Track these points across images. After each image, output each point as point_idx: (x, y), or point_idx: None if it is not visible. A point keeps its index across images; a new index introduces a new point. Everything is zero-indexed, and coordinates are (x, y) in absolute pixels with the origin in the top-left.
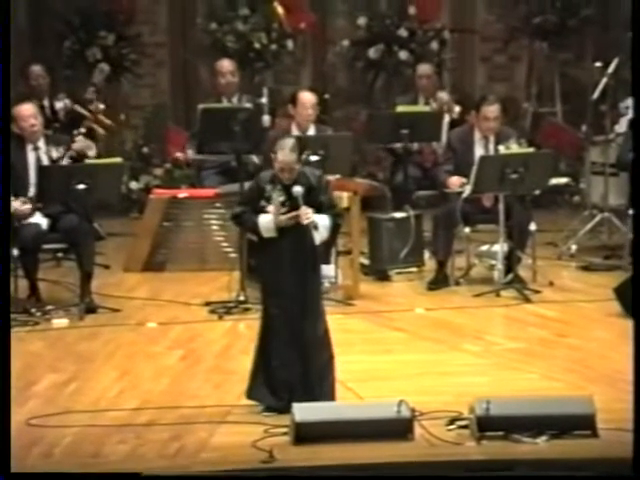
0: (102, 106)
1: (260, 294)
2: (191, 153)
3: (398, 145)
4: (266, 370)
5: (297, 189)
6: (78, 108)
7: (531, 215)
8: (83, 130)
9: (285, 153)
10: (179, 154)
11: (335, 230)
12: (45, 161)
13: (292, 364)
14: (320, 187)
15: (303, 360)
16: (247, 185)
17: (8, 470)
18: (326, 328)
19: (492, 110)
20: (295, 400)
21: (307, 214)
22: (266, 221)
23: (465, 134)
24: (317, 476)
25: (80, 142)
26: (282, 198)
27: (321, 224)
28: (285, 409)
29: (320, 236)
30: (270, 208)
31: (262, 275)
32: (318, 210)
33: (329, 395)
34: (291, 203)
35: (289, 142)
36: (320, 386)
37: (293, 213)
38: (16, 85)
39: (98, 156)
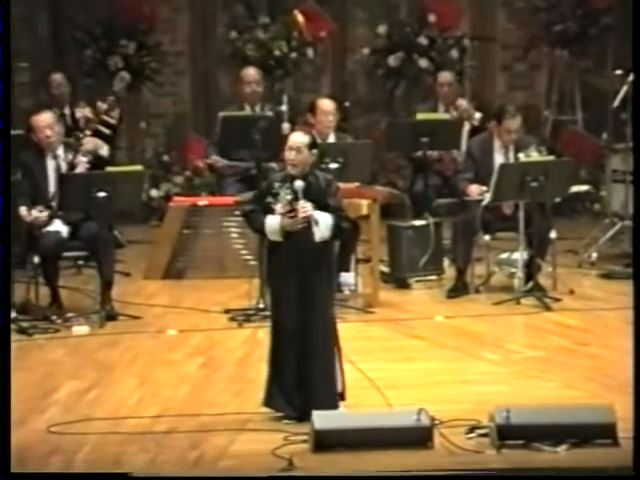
0: (105, 106)
1: (270, 301)
2: (218, 159)
3: (418, 153)
4: (278, 378)
5: (298, 183)
6: (87, 112)
7: (551, 223)
8: (88, 132)
9: (292, 139)
10: (199, 162)
11: (340, 234)
12: (64, 169)
13: (300, 372)
14: (329, 191)
15: (307, 369)
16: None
17: (8, 470)
18: (336, 336)
19: (515, 123)
20: (300, 407)
21: (305, 207)
22: (273, 223)
23: (485, 142)
24: None
25: (88, 143)
26: (290, 196)
27: (322, 221)
28: (301, 417)
29: (320, 233)
30: (278, 207)
31: (270, 281)
32: (325, 212)
33: (333, 404)
34: (299, 199)
35: (298, 132)
36: (327, 394)
37: (299, 213)
38: (37, 93)
39: (118, 164)
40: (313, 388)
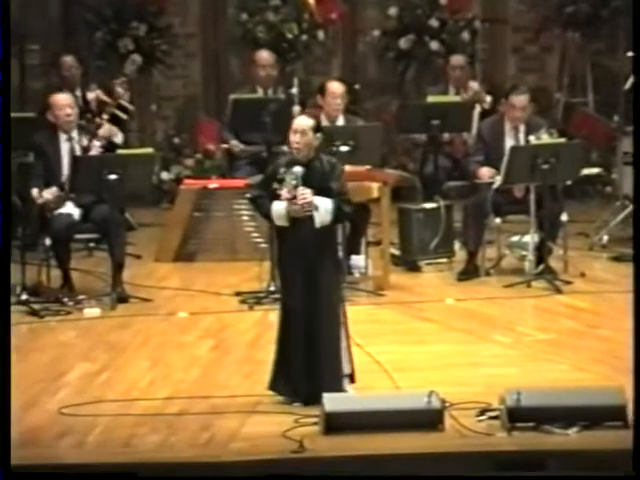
0: (121, 90)
1: (280, 285)
2: (235, 143)
3: (419, 136)
4: (285, 362)
5: (297, 169)
6: (101, 95)
7: (563, 206)
8: (106, 116)
9: (296, 122)
10: (212, 146)
11: (341, 218)
12: (78, 151)
13: (306, 356)
14: (332, 174)
15: (314, 352)
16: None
17: (8, 469)
18: (345, 320)
19: (520, 100)
20: (305, 390)
21: (304, 194)
22: (279, 208)
23: (496, 124)
24: (345, 476)
25: (105, 129)
26: (295, 182)
27: (321, 206)
28: (306, 401)
29: (320, 218)
30: (283, 192)
31: (278, 265)
32: (328, 196)
33: (338, 387)
34: (304, 184)
35: (302, 115)
36: (326, 378)
37: (298, 199)
38: (48, 76)
39: (129, 146)
40: (319, 372)
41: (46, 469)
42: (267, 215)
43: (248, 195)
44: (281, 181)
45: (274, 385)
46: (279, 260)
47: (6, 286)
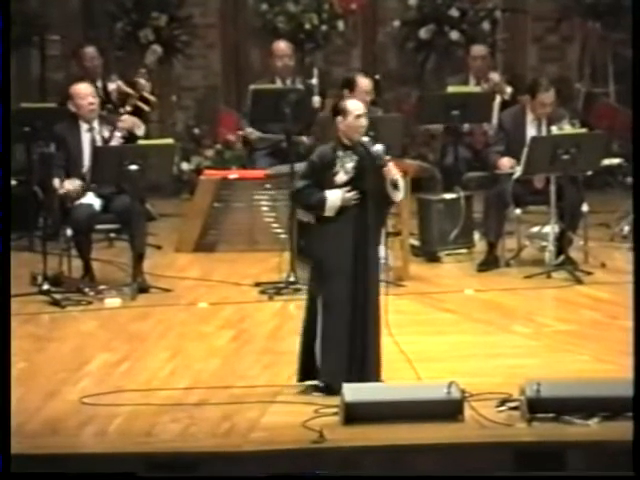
0: (144, 82)
1: (312, 276)
2: (251, 131)
3: (439, 126)
4: (330, 352)
5: (377, 147)
6: (123, 86)
7: (583, 196)
8: (129, 108)
9: (356, 106)
10: (232, 137)
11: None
12: (99, 142)
13: (351, 345)
14: (377, 156)
15: (364, 341)
16: (304, 163)
17: (8, 469)
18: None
19: (549, 96)
20: (350, 380)
21: (395, 169)
22: (335, 198)
23: (517, 115)
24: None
25: (127, 121)
26: (352, 164)
27: (400, 184)
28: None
29: (400, 195)
30: (340, 176)
31: (319, 257)
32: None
33: (379, 375)
34: (359, 167)
35: (353, 100)
36: (376, 365)
37: (391, 174)
38: (69, 66)
39: (149, 137)
40: (366, 362)
41: (67, 458)
42: (317, 205)
43: (291, 190)
44: (342, 165)
45: (305, 377)
46: (319, 252)
47: (6, 283)
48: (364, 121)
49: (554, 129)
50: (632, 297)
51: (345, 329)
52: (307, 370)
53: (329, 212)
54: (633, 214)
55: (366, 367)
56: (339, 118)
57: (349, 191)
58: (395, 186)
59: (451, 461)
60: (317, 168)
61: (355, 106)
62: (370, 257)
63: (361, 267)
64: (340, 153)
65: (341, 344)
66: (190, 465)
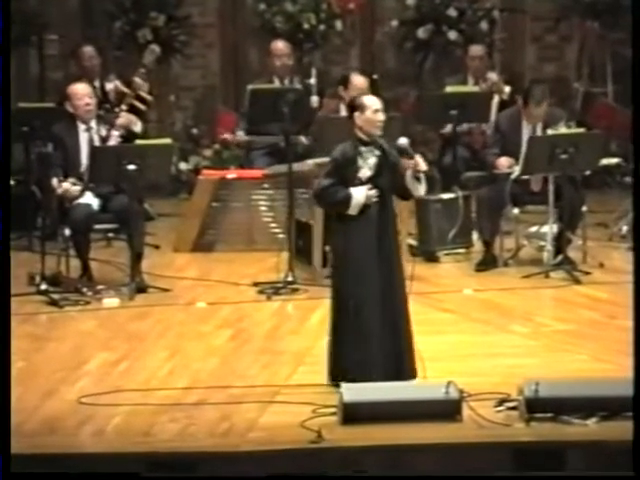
0: (140, 81)
1: (337, 275)
2: (241, 134)
3: (447, 129)
4: (361, 352)
5: (402, 140)
6: (121, 86)
7: (583, 196)
8: (124, 107)
9: (374, 101)
10: (227, 135)
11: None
12: (97, 142)
13: (384, 341)
14: (393, 151)
15: (396, 337)
16: (326, 160)
17: (8, 469)
18: None
19: (540, 110)
20: (386, 378)
21: (422, 161)
22: (360, 196)
23: (513, 117)
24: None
25: (123, 118)
26: (374, 159)
27: (422, 178)
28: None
29: (422, 189)
30: (364, 171)
31: (344, 256)
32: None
33: (414, 372)
34: (380, 163)
35: (370, 96)
36: (411, 362)
37: (419, 167)
38: (67, 66)
39: (146, 136)
40: (401, 357)
41: (65, 458)
42: (342, 203)
43: (316, 187)
44: (365, 160)
45: (337, 376)
46: (344, 251)
47: (6, 283)
48: (382, 116)
49: (549, 132)
50: (632, 297)
51: (377, 326)
52: (339, 369)
53: (353, 210)
54: (633, 214)
55: (401, 364)
56: (357, 114)
57: (371, 188)
58: (418, 179)
59: (449, 461)
60: (340, 165)
61: (372, 101)
62: (393, 253)
63: (386, 264)
64: (362, 149)
65: (374, 341)
66: (189, 465)
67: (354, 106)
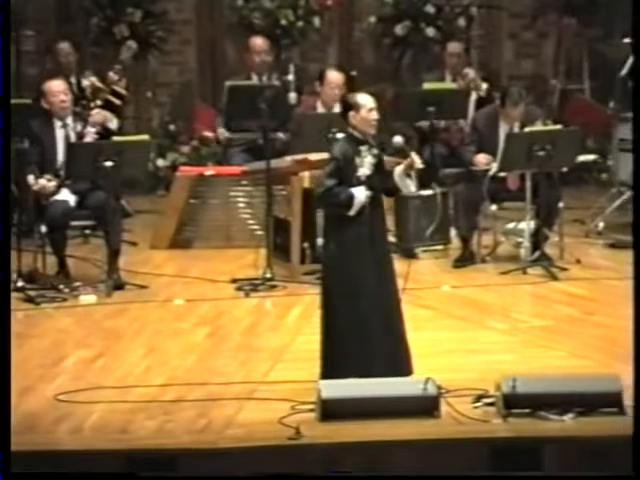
0: (115, 76)
1: (331, 275)
2: (222, 132)
3: (424, 123)
4: (363, 352)
5: (397, 138)
6: (97, 82)
7: (560, 193)
8: (99, 102)
9: (369, 99)
10: (207, 133)
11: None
12: (73, 138)
13: (380, 341)
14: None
15: (392, 336)
16: (328, 158)
17: (8, 469)
18: None
19: (516, 111)
20: (385, 374)
21: (418, 160)
22: (362, 195)
23: (491, 115)
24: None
25: (98, 115)
26: (370, 158)
27: (413, 175)
28: None
29: (413, 187)
30: (363, 170)
31: (339, 256)
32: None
33: (411, 368)
34: (377, 162)
35: (364, 94)
36: (408, 358)
37: (415, 164)
38: (43, 62)
39: (124, 133)
40: (400, 360)
41: (44, 455)
42: (345, 203)
43: (321, 190)
44: (362, 160)
45: (331, 374)
46: (337, 251)
47: (6, 275)
48: (376, 114)
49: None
50: (632, 297)
51: (373, 324)
52: (333, 367)
53: (354, 210)
54: (633, 214)
55: (397, 362)
56: (351, 113)
57: (367, 188)
58: (409, 176)
59: (427, 457)
60: (342, 165)
61: (366, 100)
62: (386, 251)
63: (380, 262)
64: (360, 147)
65: (370, 339)
66: (166, 462)
67: (348, 105)
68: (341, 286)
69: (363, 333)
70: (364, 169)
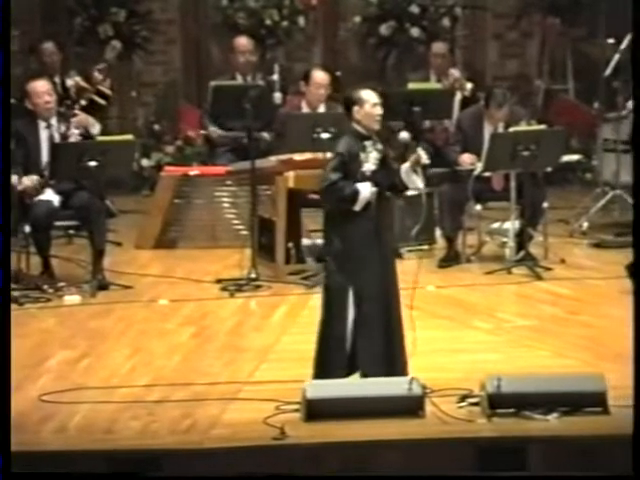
0: (100, 76)
1: (335, 273)
2: (214, 130)
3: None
4: (367, 349)
5: (404, 134)
6: (81, 82)
7: (545, 193)
8: (84, 102)
9: (372, 95)
10: (192, 133)
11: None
12: (57, 138)
13: (385, 341)
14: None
15: (391, 335)
16: (330, 155)
17: (8, 469)
18: None
19: (501, 113)
20: (378, 374)
21: (424, 154)
22: (367, 191)
23: (475, 116)
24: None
25: (80, 118)
26: (375, 153)
27: (420, 171)
28: None
29: (420, 183)
30: (368, 165)
31: (344, 254)
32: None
33: (406, 368)
34: (382, 158)
35: (367, 90)
36: (404, 357)
37: (421, 159)
38: (27, 61)
39: (109, 133)
40: (397, 357)
41: (28, 456)
42: (350, 198)
43: (326, 183)
44: (368, 155)
45: (325, 374)
46: (342, 248)
47: (6, 280)
48: (380, 109)
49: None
50: (633, 297)
51: (375, 322)
52: (329, 367)
53: (359, 206)
54: (633, 214)
55: (395, 360)
56: (355, 108)
57: (373, 185)
58: (416, 172)
59: (412, 457)
60: (346, 160)
61: (370, 95)
62: (390, 250)
63: (384, 260)
64: (365, 143)
65: (372, 340)
66: (151, 462)
67: (351, 100)
68: (346, 281)
69: (364, 332)
70: (369, 164)
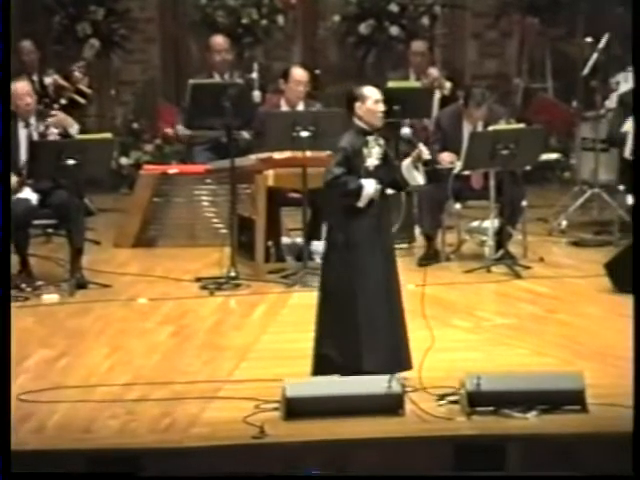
0: (79, 74)
1: (338, 271)
2: (181, 129)
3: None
4: (371, 344)
5: (405, 130)
6: (60, 80)
7: (524, 191)
8: (64, 101)
9: (375, 91)
10: (168, 130)
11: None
12: (36, 137)
13: (383, 335)
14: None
15: (395, 330)
16: (333, 151)
17: (8, 469)
18: None
19: (479, 112)
20: (380, 371)
21: (425, 150)
22: (371, 187)
23: (454, 115)
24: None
25: (58, 118)
26: (377, 149)
27: (421, 167)
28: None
29: (421, 179)
30: (371, 160)
31: (346, 250)
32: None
33: (410, 362)
34: (385, 153)
35: (369, 86)
36: (408, 351)
37: (423, 155)
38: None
39: (88, 131)
40: (402, 352)
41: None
42: (353, 193)
43: (329, 177)
44: (371, 149)
45: (324, 370)
46: (344, 244)
47: (6, 280)
48: (382, 106)
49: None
50: (633, 297)
51: (378, 318)
52: (326, 364)
53: (363, 202)
54: (633, 215)
55: (399, 355)
56: (357, 104)
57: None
58: (417, 168)
59: (392, 455)
60: (349, 155)
61: (372, 92)
62: (391, 246)
63: (386, 256)
64: (368, 138)
65: (374, 332)
66: (130, 461)
67: (353, 96)
68: (347, 278)
69: (368, 329)
70: (372, 159)
